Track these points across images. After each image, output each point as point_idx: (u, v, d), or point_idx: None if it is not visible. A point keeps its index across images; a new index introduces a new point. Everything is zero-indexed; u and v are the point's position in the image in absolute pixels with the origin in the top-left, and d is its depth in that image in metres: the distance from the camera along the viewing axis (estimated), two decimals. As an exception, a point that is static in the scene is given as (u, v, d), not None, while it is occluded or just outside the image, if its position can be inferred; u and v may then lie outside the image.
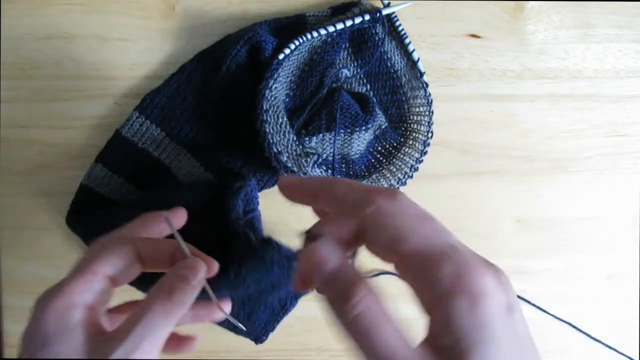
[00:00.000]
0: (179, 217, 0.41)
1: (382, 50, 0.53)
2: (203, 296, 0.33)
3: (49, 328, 0.28)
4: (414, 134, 0.53)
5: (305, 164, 0.48)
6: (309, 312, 0.56)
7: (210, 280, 0.33)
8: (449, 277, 0.21)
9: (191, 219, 0.45)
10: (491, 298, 0.20)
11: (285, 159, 0.47)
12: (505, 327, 0.20)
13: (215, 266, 0.33)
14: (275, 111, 0.48)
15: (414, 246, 0.23)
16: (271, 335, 0.54)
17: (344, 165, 0.51)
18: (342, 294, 0.22)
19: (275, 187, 0.53)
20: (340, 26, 0.49)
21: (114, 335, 0.28)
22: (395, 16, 0.52)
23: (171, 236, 0.34)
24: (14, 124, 0.52)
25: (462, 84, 0.54)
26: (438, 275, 0.21)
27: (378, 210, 0.24)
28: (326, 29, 0.49)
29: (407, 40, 0.52)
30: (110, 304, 0.33)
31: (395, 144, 0.53)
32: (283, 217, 0.54)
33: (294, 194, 0.30)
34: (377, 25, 0.51)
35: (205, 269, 0.32)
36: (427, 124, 0.52)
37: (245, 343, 0.55)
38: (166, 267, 0.33)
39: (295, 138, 0.48)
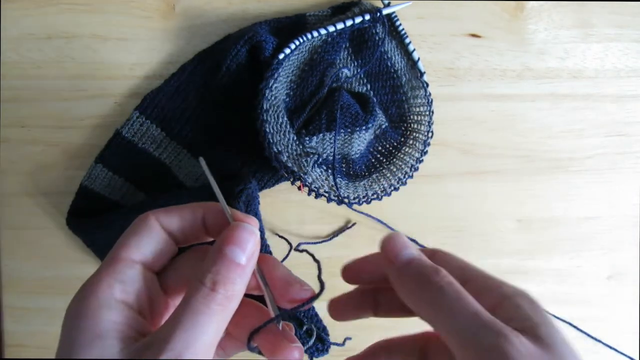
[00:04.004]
0: None
1: (382, 50, 0.52)
2: None
3: (77, 337, 0.23)
4: (414, 134, 0.52)
5: (306, 164, 0.48)
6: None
7: None
8: (512, 288, 0.25)
9: None
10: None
11: (285, 158, 0.47)
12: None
13: (257, 224, 0.28)
14: (276, 111, 0.48)
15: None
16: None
17: (344, 165, 0.51)
18: (429, 269, 0.25)
19: (275, 187, 0.53)
20: (340, 26, 0.49)
21: (153, 342, 0.23)
22: (396, 16, 0.52)
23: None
24: (14, 124, 0.52)
25: (462, 84, 0.54)
26: (504, 286, 0.25)
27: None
28: (326, 29, 0.49)
29: (407, 40, 0.52)
30: (157, 291, 0.28)
31: (395, 144, 0.53)
32: (283, 217, 0.54)
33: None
34: (377, 25, 0.51)
35: (257, 235, 0.27)
36: (427, 123, 0.52)
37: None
38: (203, 237, 0.29)
39: (295, 138, 0.48)
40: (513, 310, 0.24)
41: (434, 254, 0.28)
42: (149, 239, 0.27)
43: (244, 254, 0.26)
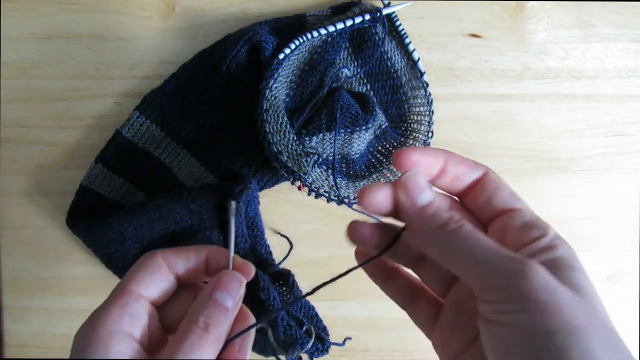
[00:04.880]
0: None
1: (382, 50, 0.52)
2: None
3: None
4: (414, 134, 0.52)
5: (305, 164, 0.48)
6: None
7: None
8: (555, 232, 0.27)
9: (193, 226, 0.45)
10: None
11: (285, 158, 0.47)
12: None
13: (252, 271, 0.31)
14: (276, 111, 0.48)
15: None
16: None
17: (344, 165, 0.51)
18: (444, 214, 0.26)
19: (275, 187, 0.53)
20: (340, 26, 0.49)
21: None
22: (396, 16, 0.52)
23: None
24: (14, 124, 0.52)
25: (462, 84, 0.54)
26: (550, 227, 0.27)
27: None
28: (326, 29, 0.49)
29: (407, 40, 0.52)
30: (156, 325, 0.30)
31: (395, 144, 0.53)
32: (283, 217, 0.54)
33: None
34: (377, 25, 0.51)
35: (243, 283, 0.30)
36: (427, 123, 0.52)
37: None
38: (203, 277, 0.32)
39: (295, 138, 0.48)
40: (551, 246, 0.25)
41: (485, 175, 0.29)
42: (156, 277, 0.30)
43: (232, 299, 0.29)
